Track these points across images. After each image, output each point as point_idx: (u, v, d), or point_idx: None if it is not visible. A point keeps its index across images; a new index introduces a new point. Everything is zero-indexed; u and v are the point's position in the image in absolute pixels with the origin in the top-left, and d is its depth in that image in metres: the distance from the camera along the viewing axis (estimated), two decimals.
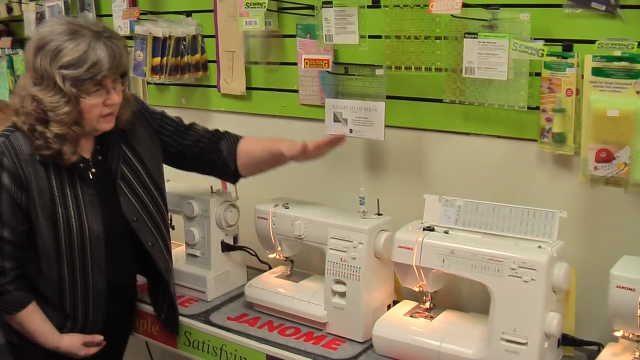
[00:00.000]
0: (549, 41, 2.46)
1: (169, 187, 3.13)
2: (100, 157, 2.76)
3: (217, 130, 3.00)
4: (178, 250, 3.37)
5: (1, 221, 2.58)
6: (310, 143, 2.69)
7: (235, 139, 2.96)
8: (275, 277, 3.06)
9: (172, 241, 3.31)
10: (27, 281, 2.71)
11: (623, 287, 2.16)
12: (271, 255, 3.05)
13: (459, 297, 2.87)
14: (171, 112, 3.56)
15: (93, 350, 2.84)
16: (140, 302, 3.15)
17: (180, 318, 2.99)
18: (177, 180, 3.25)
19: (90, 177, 2.70)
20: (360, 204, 2.73)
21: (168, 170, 3.07)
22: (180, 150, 2.95)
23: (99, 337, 2.83)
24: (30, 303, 2.69)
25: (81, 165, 2.67)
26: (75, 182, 2.65)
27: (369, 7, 2.79)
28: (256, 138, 2.97)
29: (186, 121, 3.03)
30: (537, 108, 2.55)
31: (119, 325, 3.05)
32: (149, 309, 3.10)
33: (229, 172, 2.96)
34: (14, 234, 2.60)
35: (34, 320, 2.71)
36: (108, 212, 2.72)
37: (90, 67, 2.48)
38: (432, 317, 2.63)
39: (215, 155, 2.93)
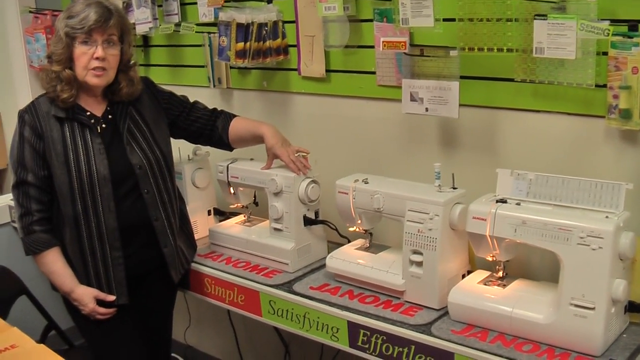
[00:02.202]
0: (614, 21, 2.47)
1: (253, 165, 3.40)
2: (110, 117, 3.19)
3: (215, 109, 3.53)
4: (262, 225, 3.53)
5: (25, 167, 3.04)
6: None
7: (228, 118, 3.46)
8: (355, 249, 3.15)
9: (255, 216, 3.54)
10: (55, 233, 3.10)
11: None
12: (351, 229, 3.14)
13: (529, 266, 2.93)
14: (253, 95, 3.81)
15: (102, 310, 3.13)
16: (221, 272, 3.33)
17: (264, 287, 3.12)
18: (262, 158, 3.38)
19: (99, 130, 3.14)
20: (436, 178, 2.81)
21: (248, 150, 3.39)
22: (186, 125, 3.44)
23: (111, 297, 3.14)
24: (54, 246, 3.09)
25: (92, 121, 3.13)
26: (86, 134, 3.09)
27: None
28: (244, 119, 3.49)
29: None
30: (604, 86, 2.57)
31: (150, 276, 3.31)
32: (233, 279, 3.25)
33: (224, 145, 3.48)
34: (36, 178, 3.05)
35: (56, 262, 3.11)
36: (114, 159, 3.10)
37: (81, 20, 2.98)
38: (504, 285, 2.70)
39: (212, 132, 3.45)
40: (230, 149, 3.49)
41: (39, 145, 3.06)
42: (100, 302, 3.13)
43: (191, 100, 3.50)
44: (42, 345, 2.29)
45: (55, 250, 3.11)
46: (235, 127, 3.42)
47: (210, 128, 3.44)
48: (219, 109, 3.51)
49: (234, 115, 3.47)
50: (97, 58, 3.02)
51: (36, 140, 3.06)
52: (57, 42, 3.05)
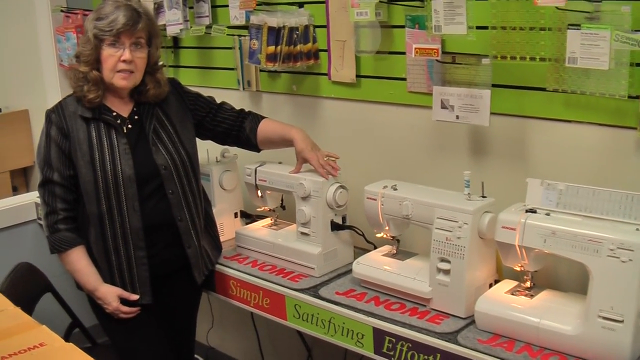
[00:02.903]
0: None
1: (281, 168, 3.40)
2: (136, 117, 3.22)
3: (242, 110, 3.53)
4: (289, 229, 3.53)
5: (51, 167, 3.07)
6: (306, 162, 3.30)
7: (257, 120, 3.46)
8: (382, 255, 3.14)
9: (282, 220, 3.55)
10: (80, 232, 3.13)
11: None
12: (378, 235, 3.13)
13: (556, 277, 2.92)
14: (282, 99, 3.82)
15: (125, 309, 3.15)
16: (246, 274, 3.34)
17: (290, 292, 3.12)
18: (291, 162, 3.39)
19: (125, 131, 3.16)
20: (466, 186, 2.80)
21: (276, 153, 3.40)
22: (213, 126, 3.45)
23: (134, 296, 3.16)
24: (79, 245, 3.12)
25: (118, 121, 3.16)
26: (112, 134, 3.11)
27: None
28: (273, 121, 3.49)
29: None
30: (637, 97, 2.57)
31: (174, 276, 3.33)
32: (259, 282, 3.26)
33: (252, 146, 3.48)
34: (62, 177, 3.07)
35: (80, 260, 3.14)
36: (139, 160, 3.12)
37: (110, 22, 3.01)
38: (532, 296, 2.68)
39: (240, 133, 3.45)
40: (258, 150, 3.50)
41: (65, 145, 3.08)
42: (124, 301, 3.15)
43: (218, 101, 3.50)
44: (70, 344, 2.30)
45: (79, 249, 3.14)
46: (264, 130, 3.43)
47: (237, 129, 3.44)
48: (246, 109, 3.52)
49: (262, 117, 3.48)
50: (124, 61, 3.05)
51: (62, 140, 3.08)
52: (85, 43, 3.08)
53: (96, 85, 3.08)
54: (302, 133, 3.33)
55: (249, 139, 3.44)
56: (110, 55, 3.04)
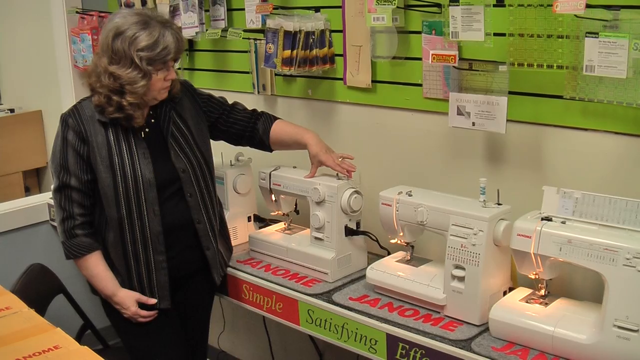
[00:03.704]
0: None
1: (296, 173, 3.42)
2: (152, 120, 3.20)
3: (254, 110, 3.53)
4: (303, 234, 3.54)
5: (68, 171, 3.05)
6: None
7: (270, 121, 3.47)
8: (396, 261, 3.14)
9: (295, 224, 3.57)
10: (97, 237, 3.13)
11: None
12: (392, 241, 3.13)
13: (571, 285, 2.91)
14: (297, 103, 3.83)
15: (144, 313, 3.16)
16: (259, 279, 3.34)
17: (303, 296, 3.12)
18: (305, 167, 3.39)
19: (142, 135, 3.15)
20: (481, 193, 2.79)
21: (291, 157, 3.41)
22: (226, 127, 3.46)
23: (152, 300, 3.17)
24: (96, 250, 3.12)
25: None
26: (130, 138, 3.09)
27: (494, 6, 2.83)
28: (286, 123, 3.50)
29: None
30: None
31: (191, 279, 3.35)
32: (272, 287, 3.27)
33: (265, 147, 3.48)
34: (79, 182, 3.06)
35: (98, 265, 3.13)
36: (158, 163, 3.12)
37: (161, 50, 3.00)
38: (546, 304, 2.68)
39: (253, 133, 3.46)
40: (271, 150, 3.51)
41: (83, 150, 3.06)
42: (142, 305, 3.15)
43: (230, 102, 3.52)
44: (85, 347, 2.29)
45: (97, 254, 3.14)
46: (277, 132, 3.43)
47: (250, 130, 3.45)
48: (259, 110, 3.53)
49: (276, 118, 3.49)
50: (170, 79, 3.10)
51: (80, 144, 3.07)
52: (131, 70, 2.99)
53: (145, 107, 3.12)
54: (315, 137, 3.34)
55: (262, 140, 3.45)
56: (160, 79, 3.06)
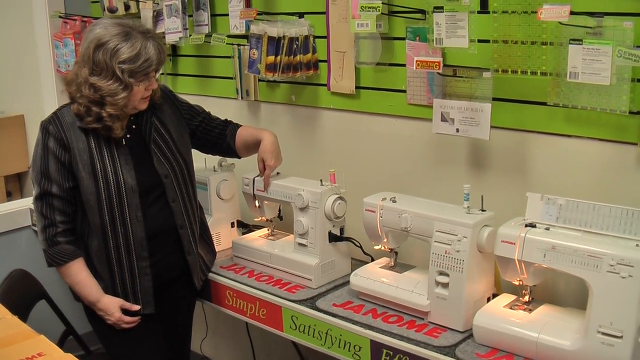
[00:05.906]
0: None
1: (280, 179, 3.41)
2: (134, 126, 3.19)
3: (225, 120, 3.57)
4: (286, 239, 3.53)
5: (50, 179, 3.03)
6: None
7: (235, 127, 3.53)
8: (380, 267, 3.14)
9: (279, 230, 3.56)
10: (79, 244, 3.12)
11: None
12: (376, 247, 3.13)
13: (555, 292, 2.91)
14: (281, 109, 3.83)
15: (128, 319, 3.15)
16: (243, 285, 3.33)
17: (287, 302, 3.12)
18: (289, 173, 3.40)
19: (124, 142, 3.14)
20: (465, 199, 2.80)
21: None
22: (204, 134, 3.49)
23: (136, 307, 3.16)
24: (78, 257, 3.10)
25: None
26: (112, 145, 3.09)
27: (478, 12, 2.85)
28: (248, 127, 3.56)
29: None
30: (638, 113, 2.57)
31: (173, 284, 3.34)
32: (256, 293, 3.26)
33: (232, 152, 3.54)
34: (60, 189, 3.04)
35: (80, 272, 3.12)
36: (140, 169, 3.12)
37: (143, 62, 2.99)
38: (530, 310, 2.68)
39: (222, 141, 3.50)
40: (238, 156, 3.55)
41: (65, 157, 3.05)
42: (126, 311, 3.14)
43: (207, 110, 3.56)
44: (69, 355, 2.27)
45: (80, 261, 3.12)
46: (241, 135, 3.49)
47: (222, 137, 3.49)
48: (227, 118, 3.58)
49: (240, 125, 3.54)
50: (151, 89, 3.10)
51: (61, 152, 3.04)
52: (112, 82, 2.97)
53: (125, 119, 3.10)
54: (272, 137, 3.39)
55: (229, 146, 3.48)
56: (141, 90, 3.05)
